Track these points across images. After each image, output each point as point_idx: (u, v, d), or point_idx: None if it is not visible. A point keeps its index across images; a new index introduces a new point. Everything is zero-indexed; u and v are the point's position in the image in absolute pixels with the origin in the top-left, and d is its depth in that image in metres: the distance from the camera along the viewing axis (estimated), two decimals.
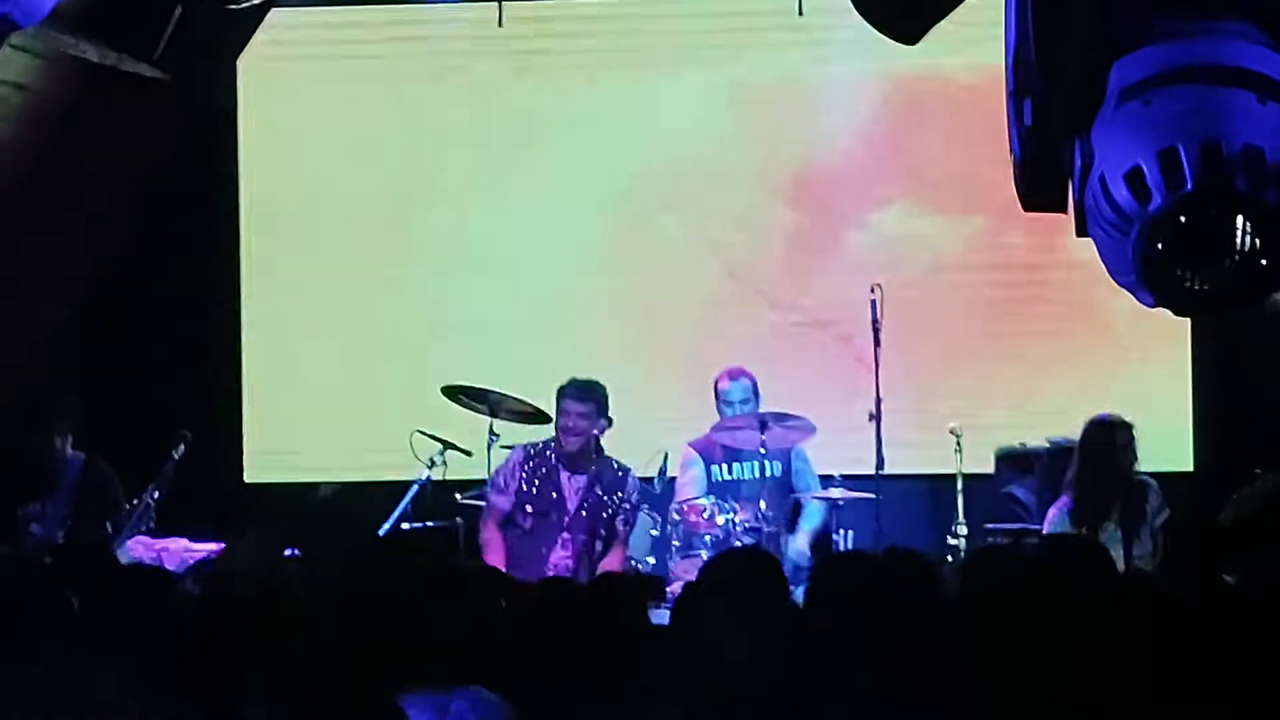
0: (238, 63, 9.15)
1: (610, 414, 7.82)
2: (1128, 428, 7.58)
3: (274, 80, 9.64)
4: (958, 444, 8.24)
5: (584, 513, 7.82)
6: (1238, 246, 4.18)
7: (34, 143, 8.39)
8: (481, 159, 9.60)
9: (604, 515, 7.83)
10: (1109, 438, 7.57)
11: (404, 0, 9.71)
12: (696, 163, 9.46)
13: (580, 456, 7.81)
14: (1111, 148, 4.28)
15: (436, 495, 8.29)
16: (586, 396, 7.74)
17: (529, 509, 7.82)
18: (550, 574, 7.31)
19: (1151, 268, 4.23)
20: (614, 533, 7.84)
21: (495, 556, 7.66)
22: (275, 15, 8.12)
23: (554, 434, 7.85)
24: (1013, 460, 8.72)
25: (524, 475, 7.86)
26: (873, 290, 8.44)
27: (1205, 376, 9.00)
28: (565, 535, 7.77)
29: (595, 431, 7.77)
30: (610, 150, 9.55)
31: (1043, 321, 9.29)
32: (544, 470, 7.85)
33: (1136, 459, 7.59)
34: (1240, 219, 4.17)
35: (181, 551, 7.76)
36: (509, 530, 7.83)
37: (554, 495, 7.84)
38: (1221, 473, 8.41)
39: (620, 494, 7.86)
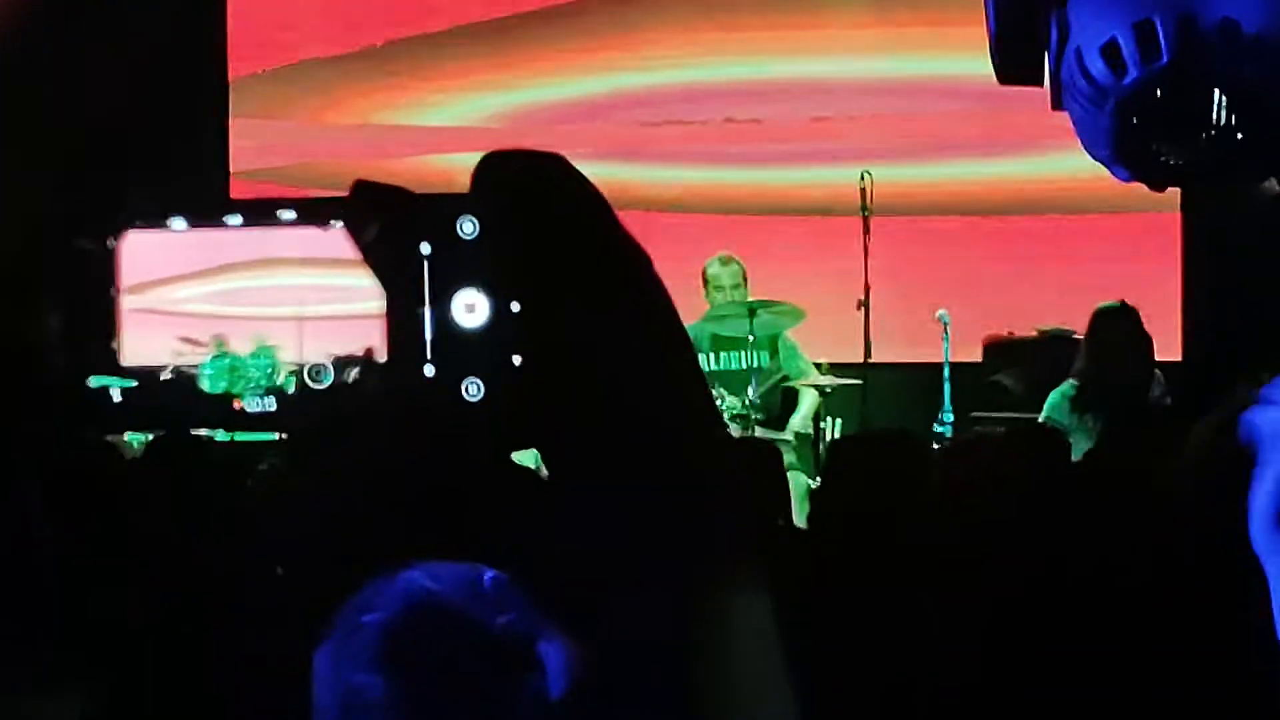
0: None
1: None
2: (1133, 314, 7.54)
3: None
4: (945, 331, 8.25)
5: None
6: (1214, 121, 4.16)
7: (17, 17, 8.35)
8: (481, 39, 9.56)
9: None
10: (1115, 325, 7.53)
11: None
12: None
13: None
14: (1087, 20, 4.24)
15: None
16: None
17: None
18: None
19: (1126, 142, 4.21)
20: None
21: None
22: None
23: None
24: (1000, 349, 8.71)
25: None
26: (862, 177, 8.42)
27: (1195, 265, 8.97)
28: None
29: None
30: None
31: (1031, 209, 9.27)
32: None
33: (1147, 345, 7.55)
34: (1217, 93, 4.15)
35: None
36: None
37: None
38: (1210, 362, 8.41)
39: None
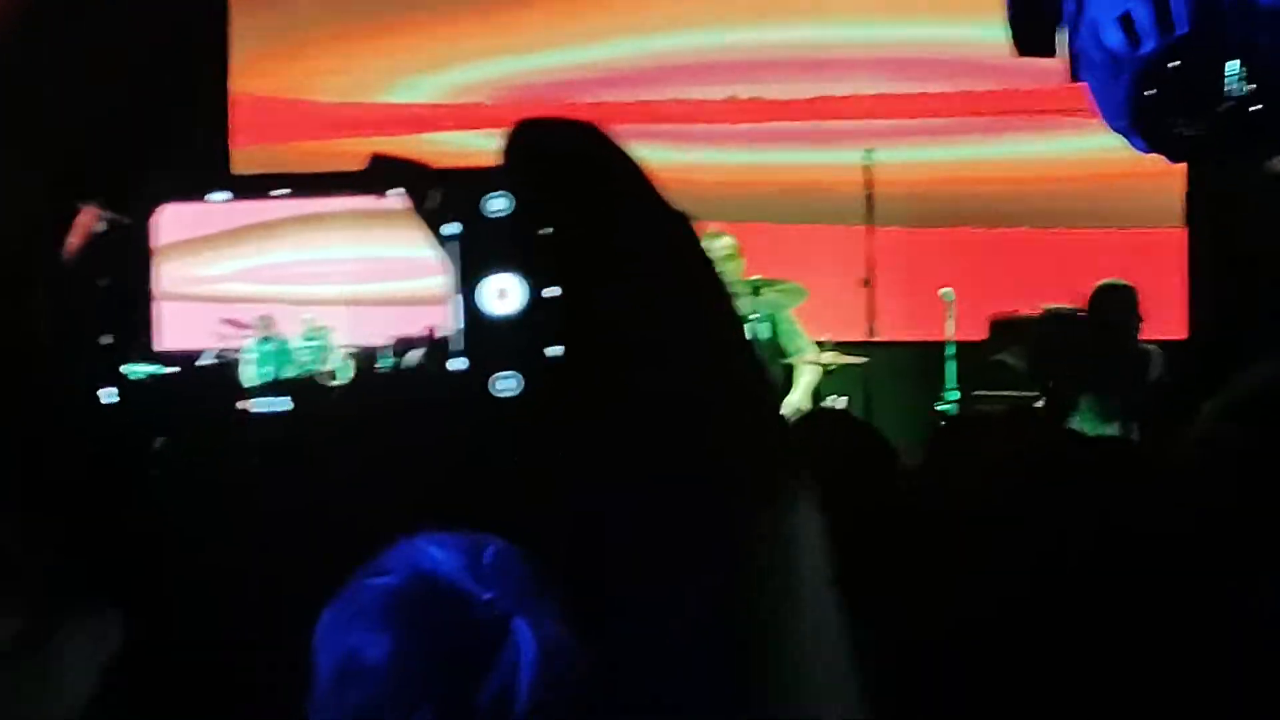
0: None
1: None
2: (1132, 291, 7.55)
3: None
4: (949, 309, 8.23)
5: None
6: (1229, 91, 4.14)
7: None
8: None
9: None
10: (1113, 302, 7.54)
11: None
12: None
13: None
14: None
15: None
16: None
17: None
18: None
19: (1143, 113, 4.20)
20: None
21: None
22: None
23: None
24: (1005, 327, 8.68)
25: None
26: (866, 156, 8.41)
27: (1200, 243, 8.94)
28: None
29: None
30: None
31: (1036, 188, 9.24)
32: None
33: (1140, 324, 7.56)
34: (1232, 64, 4.13)
35: None
36: None
37: None
38: (1215, 341, 8.38)
39: None
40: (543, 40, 9.42)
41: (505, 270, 0.87)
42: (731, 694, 0.85)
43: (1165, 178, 7.88)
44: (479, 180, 0.88)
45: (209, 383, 0.91)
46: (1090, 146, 8.32)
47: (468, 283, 0.87)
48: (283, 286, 0.92)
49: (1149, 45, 4.13)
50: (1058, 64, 4.50)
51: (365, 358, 0.93)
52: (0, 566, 0.88)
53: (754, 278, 8.04)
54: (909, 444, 4.22)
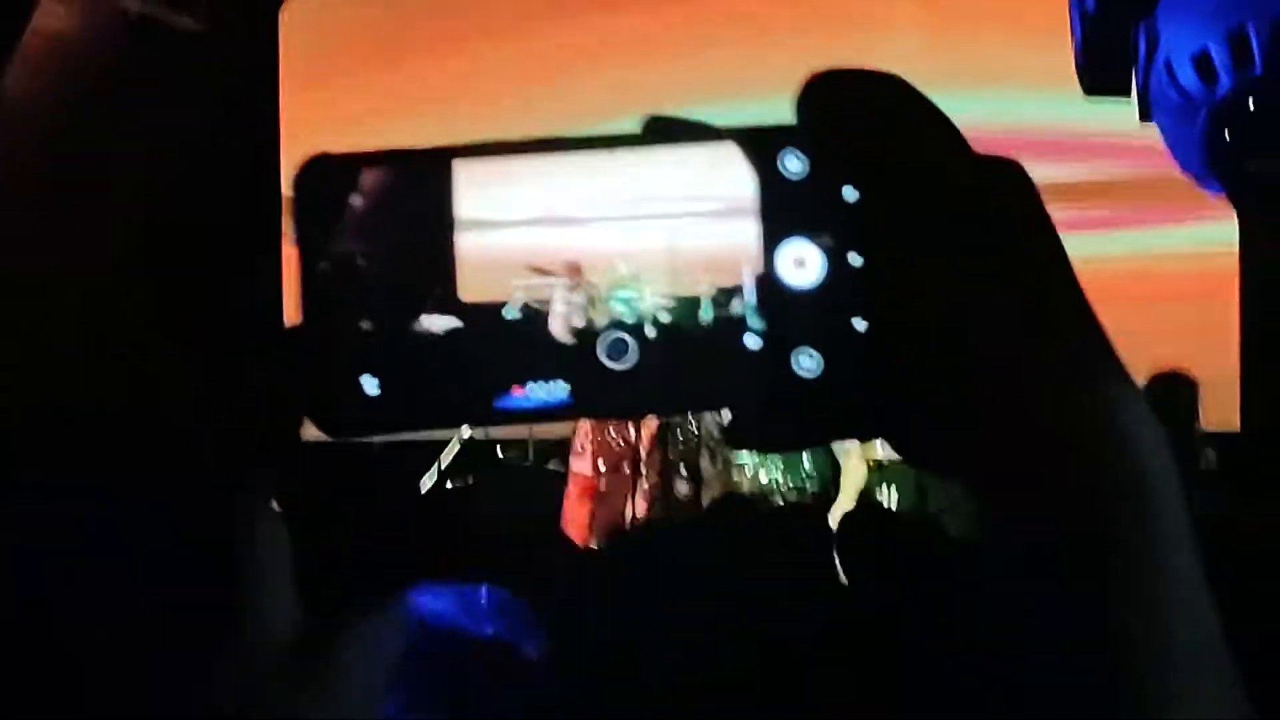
0: (280, 15, 9.13)
1: None
2: (1191, 384, 7.47)
3: (317, 33, 9.62)
4: None
5: (658, 454, 7.19)
6: None
7: (68, 96, 8.39)
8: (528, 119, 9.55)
9: (681, 450, 7.24)
10: (1170, 394, 7.46)
11: None
12: None
13: None
14: (1178, 29, 4.18)
15: (479, 453, 8.23)
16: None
17: (601, 467, 7.18)
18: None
19: (1218, 156, 4.14)
20: (699, 472, 7.18)
21: (576, 530, 7.06)
22: None
23: None
24: None
25: (596, 430, 7.19)
26: None
27: (1254, 329, 8.86)
28: (641, 485, 7.16)
29: None
30: None
31: (1084, 271, 9.18)
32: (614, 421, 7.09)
33: (1198, 417, 7.48)
34: None
35: None
36: (594, 499, 7.13)
37: (623, 444, 7.19)
38: (1272, 433, 8.29)
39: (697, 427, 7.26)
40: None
41: (803, 237, 0.81)
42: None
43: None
44: (771, 138, 0.82)
45: (518, 333, 0.83)
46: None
47: (762, 251, 0.81)
48: (588, 230, 0.84)
49: (1225, 85, 4.08)
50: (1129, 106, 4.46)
51: (685, 307, 0.84)
52: (274, 561, 0.81)
53: None
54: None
